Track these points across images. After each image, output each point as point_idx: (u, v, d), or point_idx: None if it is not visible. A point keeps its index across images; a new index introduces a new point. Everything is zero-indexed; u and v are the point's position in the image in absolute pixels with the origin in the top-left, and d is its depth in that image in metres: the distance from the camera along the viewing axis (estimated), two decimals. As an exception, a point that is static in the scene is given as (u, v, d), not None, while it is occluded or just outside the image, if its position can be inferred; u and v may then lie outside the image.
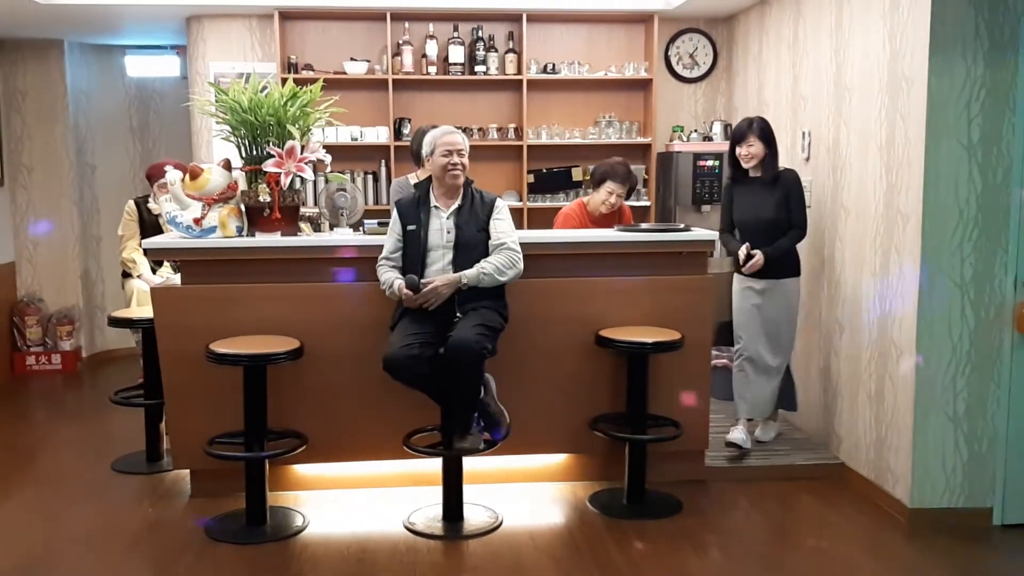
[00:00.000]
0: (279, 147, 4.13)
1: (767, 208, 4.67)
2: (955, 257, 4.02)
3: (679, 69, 6.78)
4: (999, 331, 4.05)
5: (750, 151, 4.63)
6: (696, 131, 6.63)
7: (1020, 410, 4.07)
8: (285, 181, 4.13)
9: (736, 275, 4.86)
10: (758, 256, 4.61)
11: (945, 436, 4.09)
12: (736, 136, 4.70)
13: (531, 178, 6.61)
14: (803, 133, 5.28)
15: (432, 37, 6.45)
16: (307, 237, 4.38)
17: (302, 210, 4.51)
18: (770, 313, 4.73)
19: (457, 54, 6.43)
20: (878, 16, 4.39)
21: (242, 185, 4.28)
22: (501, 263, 3.93)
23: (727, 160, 4.91)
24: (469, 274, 3.89)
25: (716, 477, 4.62)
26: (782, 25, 5.68)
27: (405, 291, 3.85)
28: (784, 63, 5.64)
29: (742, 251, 4.66)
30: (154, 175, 5.65)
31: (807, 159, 5.22)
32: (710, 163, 6.26)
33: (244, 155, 4.27)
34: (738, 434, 4.74)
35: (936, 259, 4.01)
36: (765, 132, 4.64)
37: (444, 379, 3.85)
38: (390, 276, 3.98)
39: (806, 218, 4.72)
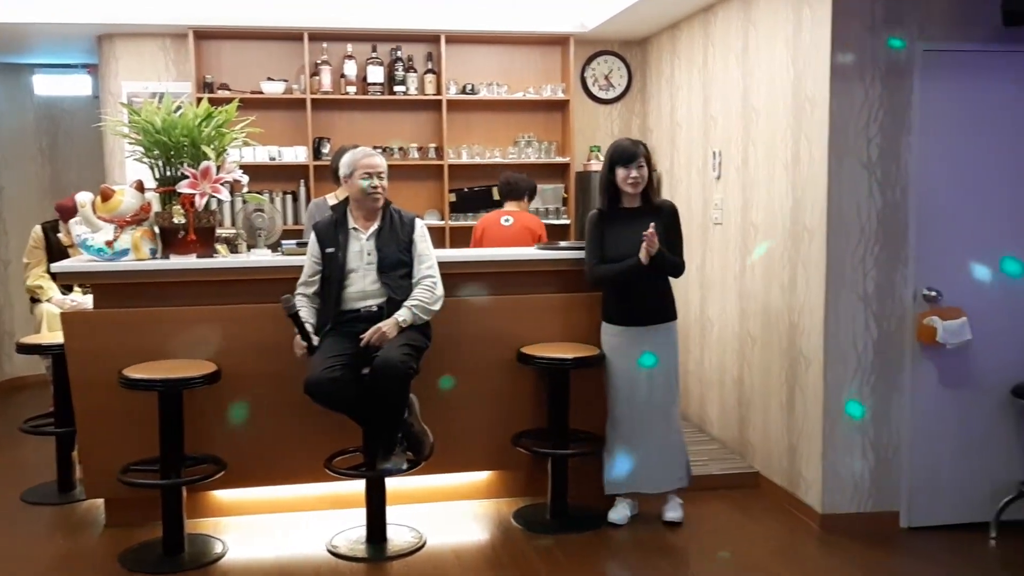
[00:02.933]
0: (194, 168, 4.08)
1: (661, 254, 4.07)
2: (858, 271, 4.19)
3: (595, 90, 6.92)
4: (901, 341, 4.24)
5: (641, 174, 4.13)
6: (613, 151, 6.76)
7: (922, 417, 4.26)
8: (200, 202, 4.08)
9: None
10: (651, 228, 4.02)
11: (853, 443, 4.25)
12: (623, 158, 4.14)
13: (453, 197, 6.65)
14: (714, 153, 5.45)
15: (350, 57, 6.45)
16: (223, 259, 4.32)
17: (219, 231, 4.45)
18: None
19: (376, 74, 6.44)
20: (782, 41, 4.57)
21: (156, 207, 4.21)
22: (426, 298, 3.96)
23: (600, 186, 4.30)
24: (407, 316, 3.89)
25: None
26: (692, 48, 5.86)
27: (299, 350, 3.86)
28: (695, 85, 5.81)
29: (642, 252, 4.02)
30: (64, 213, 5.35)
31: (718, 177, 5.39)
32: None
33: (158, 176, 4.21)
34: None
35: (840, 273, 4.18)
36: (648, 155, 4.23)
37: (368, 400, 3.84)
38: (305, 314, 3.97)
39: (683, 257, 4.25)
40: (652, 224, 4.03)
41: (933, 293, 4.19)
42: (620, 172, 4.15)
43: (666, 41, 6.38)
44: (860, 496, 4.27)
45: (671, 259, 4.13)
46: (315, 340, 3.85)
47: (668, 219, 4.19)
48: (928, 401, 4.26)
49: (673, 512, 4.31)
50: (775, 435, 4.70)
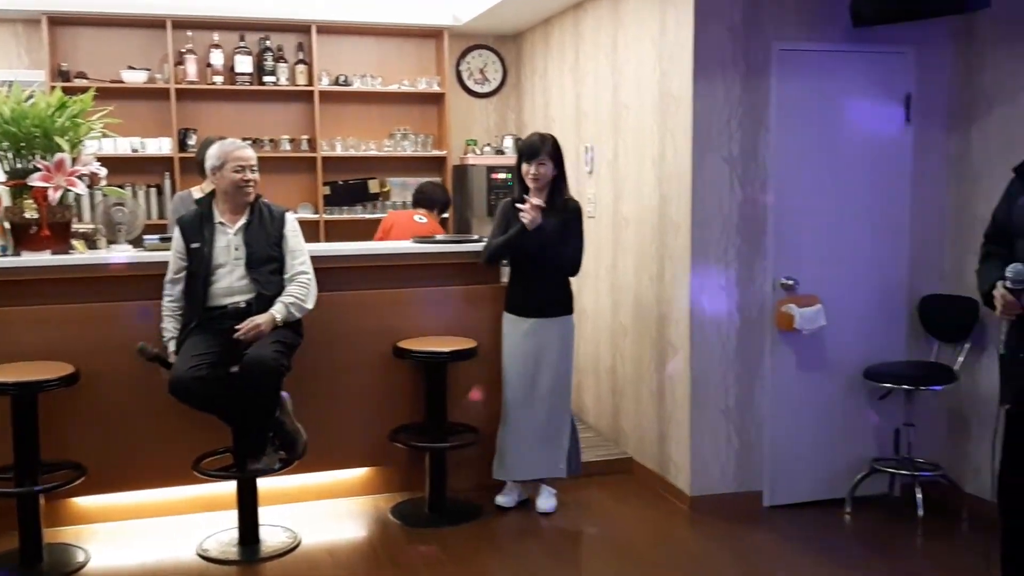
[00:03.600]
0: (47, 160, 3.88)
1: (551, 237, 4.18)
2: (721, 263, 4.36)
3: (471, 84, 6.94)
4: (761, 329, 4.43)
5: (540, 170, 4.16)
6: (489, 145, 6.82)
7: (782, 401, 4.47)
8: (54, 196, 3.88)
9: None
10: (533, 199, 4.12)
11: (718, 427, 4.42)
12: (526, 153, 4.21)
13: (327, 190, 6.55)
14: (586, 148, 5.55)
15: (217, 46, 6.26)
16: (80, 255, 4.13)
17: (75, 226, 4.25)
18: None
19: (244, 64, 6.27)
20: (648, 40, 4.70)
21: (6, 201, 3.98)
22: (301, 295, 3.88)
23: (514, 178, 4.36)
24: (282, 312, 3.81)
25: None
26: (564, 44, 5.96)
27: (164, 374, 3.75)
28: (567, 80, 5.91)
29: (525, 216, 4.10)
30: None
31: (590, 172, 5.49)
32: (503, 176, 6.43)
33: (7, 169, 3.98)
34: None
35: (704, 265, 4.33)
36: (558, 151, 4.23)
37: (237, 399, 3.74)
38: (167, 326, 3.89)
39: (582, 254, 4.26)
40: (536, 198, 4.12)
41: (790, 282, 4.40)
42: (524, 167, 4.21)
43: (539, 36, 6.46)
44: (726, 478, 4.45)
45: (555, 238, 4.15)
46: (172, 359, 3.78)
47: (568, 216, 4.22)
48: (787, 385, 4.47)
49: (544, 502, 4.39)
50: (646, 422, 4.84)
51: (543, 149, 4.18)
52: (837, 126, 4.42)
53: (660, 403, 4.69)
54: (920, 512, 4.24)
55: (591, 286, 5.53)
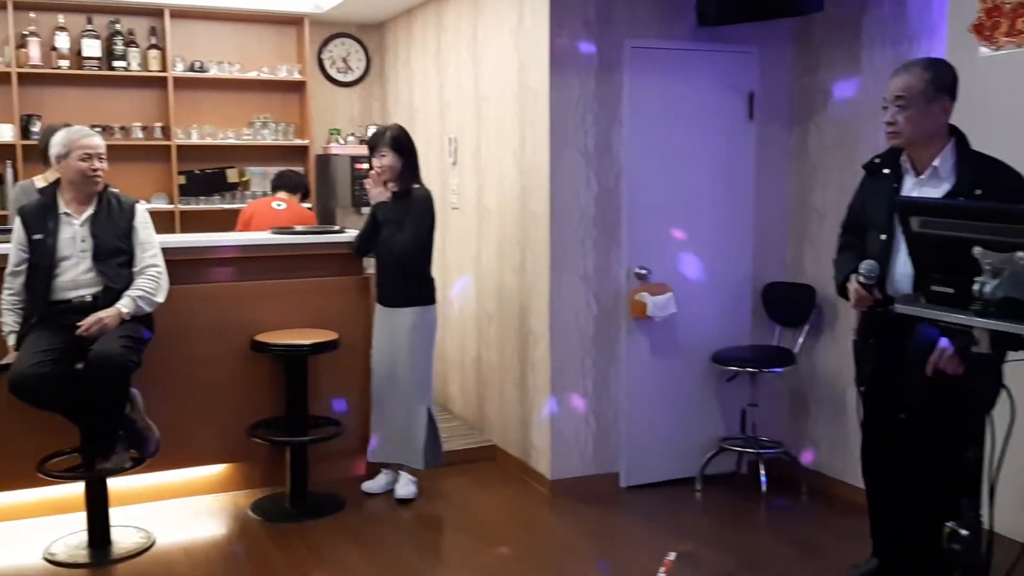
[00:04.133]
0: None
1: (396, 227, 4.24)
2: (579, 253, 4.48)
3: (333, 72, 6.86)
4: (617, 317, 4.59)
5: (382, 163, 4.24)
6: (353, 134, 6.76)
7: (637, 386, 4.65)
8: None
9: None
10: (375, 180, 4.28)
11: (578, 412, 4.55)
12: (371, 144, 4.35)
13: (183, 180, 6.34)
14: (450, 139, 5.59)
15: (63, 29, 5.96)
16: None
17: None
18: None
19: (92, 48, 6.00)
20: (507, 32, 4.77)
21: None
22: (150, 288, 3.76)
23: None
24: (129, 306, 3.68)
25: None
26: (427, 35, 5.97)
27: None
28: (430, 71, 5.93)
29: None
30: None
31: (454, 163, 5.54)
32: (367, 166, 6.37)
33: None
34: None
35: (563, 256, 4.45)
36: (400, 142, 4.26)
37: (83, 397, 3.60)
38: (7, 320, 3.71)
39: (420, 237, 4.24)
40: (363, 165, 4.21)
41: (643, 271, 4.57)
42: (372, 159, 4.31)
43: (402, 25, 6.45)
44: (584, 461, 4.59)
45: (393, 216, 4.23)
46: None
47: (414, 204, 4.25)
48: (642, 370, 4.65)
49: (403, 489, 4.42)
50: (510, 409, 4.93)
51: (382, 141, 4.25)
52: (687, 122, 4.62)
53: (522, 390, 4.79)
54: (764, 487, 4.50)
55: (456, 277, 5.58)
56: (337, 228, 4.79)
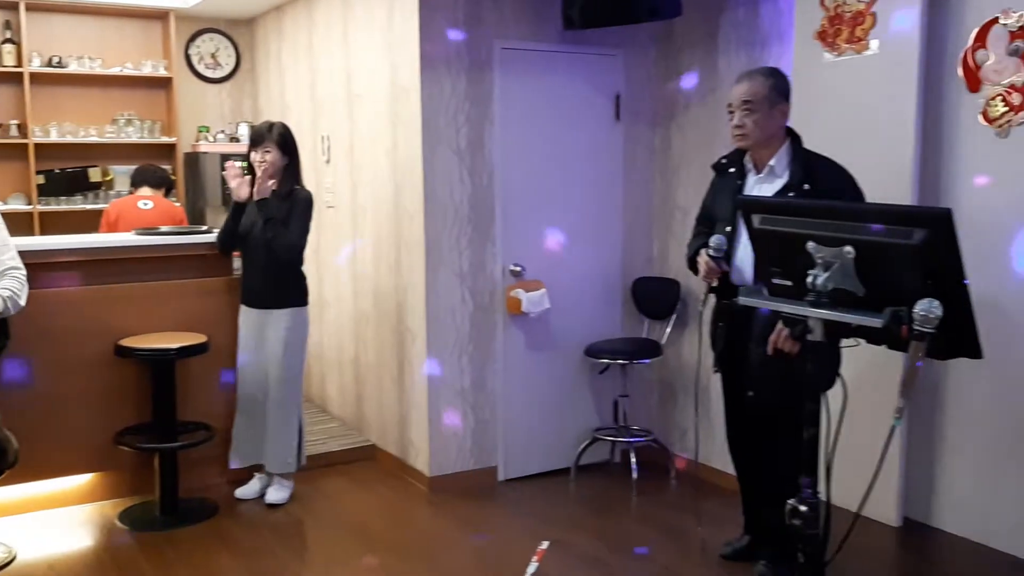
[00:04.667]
0: None
1: (277, 227, 4.12)
2: (454, 251, 4.53)
3: (201, 69, 6.69)
4: (493, 314, 4.67)
5: (266, 157, 4.15)
6: (223, 132, 6.61)
7: (513, 380, 4.74)
8: None
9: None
10: (230, 162, 4.23)
11: (455, 409, 4.61)
12: (253, 139, 4.23)
13: (42, 179, 6.08)
14: (323, 137, 5.55)
15: (-96, 19, 5.62)
16: None
17: None
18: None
19: (-62, 40, 5.68)
20: (378, 30, 4.78)
21: None
22: (16, 288, 3.56)
23: (248, 167, 4.31)
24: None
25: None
26: (298, 31, 5.90)
27: None
28: (302, 68, 5.86)
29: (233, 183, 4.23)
30: None
31: (328, 161, 5.50)
32: (238, 164, 6.25)
33: None
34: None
35: (438, 253, 4.49)
36: (286, 140, 4.22)
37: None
38: None
39: (301, 238, 4.20)
40: (233, 161, 4.19)
41: (518, 268, 4.66)
42: (252, 154, 4.19)
43: (272, 22, 6.35)
44: (463, 457, 4.65)
45: (275, 217, 4.09)
46: None
47: (294, 203, 4.20)
48: (518, 365, 4.75)
49: (274, 494, 4.37)
50: (388, 408, 4.95)
51: (268, 136, 4.17)
52: (556, 122, 4.73)
53: (400, 388, 4.81)
54: (634, 474, 4.67)
55: (332, 276, 5.55)
56: (204, 228, 4.69)
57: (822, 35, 4.00)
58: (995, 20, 3.53)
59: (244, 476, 4.48)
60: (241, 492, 4.41)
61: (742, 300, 2.57)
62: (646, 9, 4.17)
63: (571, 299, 4.84)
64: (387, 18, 4.66)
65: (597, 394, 4.98)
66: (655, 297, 4.92)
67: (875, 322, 2.13)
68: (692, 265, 3.40)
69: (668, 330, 4.85)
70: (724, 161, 3.43)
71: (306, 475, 4.61)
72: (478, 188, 4.56)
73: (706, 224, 3.49)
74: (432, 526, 4.19)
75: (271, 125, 4.25)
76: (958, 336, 2.15)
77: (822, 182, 3.12)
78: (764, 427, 3.22)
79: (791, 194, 3.15)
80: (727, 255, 3.23)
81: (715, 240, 3.19)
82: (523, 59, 4.60)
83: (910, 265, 2.11)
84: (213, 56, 6.72)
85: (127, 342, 4.12)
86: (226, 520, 4.18)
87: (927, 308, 2.03)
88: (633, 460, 4.72)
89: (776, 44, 4.29)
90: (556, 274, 4.77)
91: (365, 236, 5.10)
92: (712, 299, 3.41)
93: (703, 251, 3.24)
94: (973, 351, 2.20)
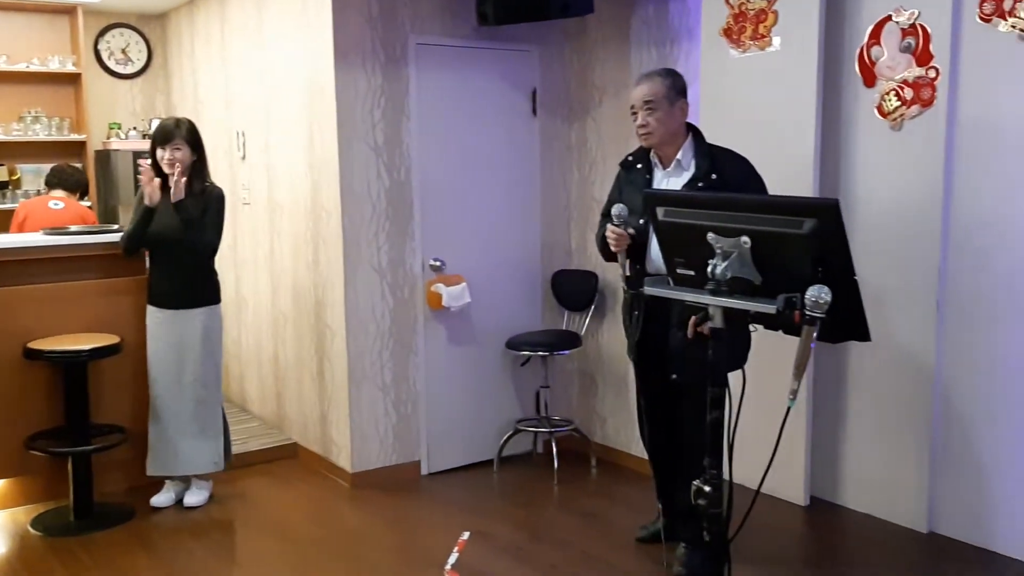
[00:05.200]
0: None
1: (190, 226, 4.06)
2: (372, 246, 4.54)
3: (111, 64, 6.54)
4: (414, 308, 4.68)
5: (176, 155, 4.05)
6: (135, 128, 6.47)
7: (435, 374, 4.76)
8: None
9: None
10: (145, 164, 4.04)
11: (376, 404, 4.61)
12: (161, 137, 4.09)
13: (-57, 179, 5.87)
14: (238, 133, 5.48)
15: None
16: None
17: None
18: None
19: None
20: (292, 26, 4.74)
21: None
22: None
23: (151, 164, 4.17)
24: None
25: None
26: (211, 25, 5.81)
27: None
28: (216, 63, 5.77)
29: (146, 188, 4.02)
30: None
31: (243, 158, 5.43)
32: (151, 161, 6.13)
33: None
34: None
35: (356, 249, 4.49)
36: (195, 137, 4.15)
37: None
38: None
39: (219, 237, 4.18)
40: (143, 161, 4.03)
41: (438, 263, 4.69)
42: (158, 152, 4.09)
43: (184, 16, 6.23)
44: (385, 452, 4.66)
45: (195, 217, 4.04)
46: None
47: (207, 202, 4.13)
48: (440, 359, 4.78)
49: (192, 497, 4.32)
50: (309, 406, 4.93)
51: (178, 134, 4.09)
52: (474, 117, 4.77)
53: (321, 385, 4.79)
54: (556, 464, 4.74)
55: (250, 274, 5.49)
56: (115, 227, 4.59)
57: (727, 32, 4.12)
58: (888, 18, 3.70)
59: (161, 480, 4.41)
60: (156, 500, 4.30)
61: (648, 290, 2.65)
62: (558, 6, 4.24)
63: (492, 293, 4.89)
64: (301, 13, 4.63)
65: (519, 386, 5.04)
66: (574, 289, 5.00)
67: (770, 308, 2.22)
68: (605, 250, 3.47)
69: (587, 321, 4.93)
70: (631, 158, 3.54)
71: (226, 476, 4.56)
72: (396, 183, 4.57)
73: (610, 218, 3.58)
74: (354, 522, 4.20)
75: (178, 121, 4.16)
76: (847, 320, 2.26)
77: (727, 173, 3.27)
78: (684, 409, 3.33)
79: (700, 185, 3.27)
80: (643, 246, 3.32)
81: (616, 208, 3.30)
82: (439, 54, 4.62)
83: (801, 253, 2.21)
84: (124, 51, 6.57)
85: (37, 344, 4.02)
86: (143, 524, 4.12)
87: (817, 294, 2.13)
88: (555, 450, 4.79)
89: (686, 41, 4.40)
90: (476, 268, 4.81)
91: (282, 233, 5.06)
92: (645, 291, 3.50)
93: (609, 225, 3.33)
94: (862, 334, 2.31)
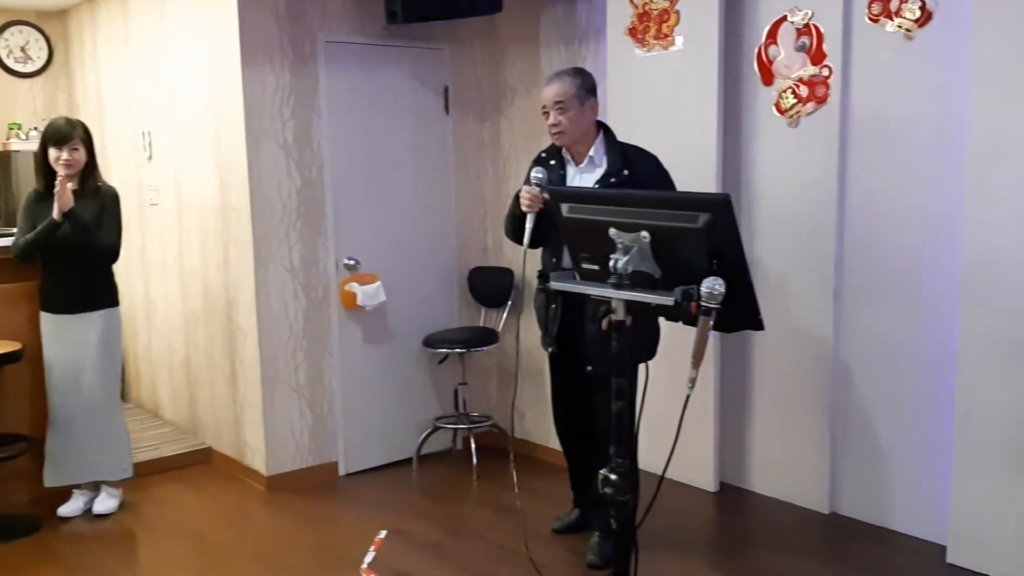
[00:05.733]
0: None
1: (88, 225, 3.95)
2: (283, 246, 4.49)
3: (10, 63, 6.31)
4: (328, 308, 4.65)
5: (74, 156, 3.96)
6: (36, 129, 6.25)
7: (351, 374, 4.74)
8: None
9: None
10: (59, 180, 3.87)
11: (291, 406, 4.57)
12: (55, 139, 3.95)
13: None
14: (144, 133, 5.35)
15: None
16: None
17: None
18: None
19: None
20: (197, 23, 4.65)
21: None
22: None
23: (36, 166, 4.09)
24: None
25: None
26: (113, 23, 5.66)
27: None
28: (119, 61, 5.63)
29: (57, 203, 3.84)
30: None
31: (149, 158, 5.31)
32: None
33: None
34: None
35: (267, 249, 4.43)
36: (90, 136, 4.07)
37: None
38: None
39: (119, 239, 4.08)
40: (62, 179, 3.87)
41: (352, 262, 4.67)
42: (52, 153, 3.97)
43: (87, 13, 6.06)
44: (301, 454, 4.62)
45: (89, 225, 3.93)
46: None
47: (104, 202, 4.05)
48: (355, 359, 4.76)
49: (102, 504, 4.23)
50: (222, 409, 4.85)
51: (75, 134, 3.99)
52: (387, 115, 4.76)
53: (234, 388, 4.72)
54: (475, 460, 4.77)
55: (159, 277, 5.37)
56: (15, 231, 4.44)
57: (633, 32, 4.20)
58: (784, 18, 3.83)
59: (67, 491, 4.28)
60: (64, 510, 4.19)
61: (554, 284, 2.70)
62: (466, 4, 4.27)
63: (408, 291, 4.89)
64: (206, 10, 4.55)
65: (437, 383, 5.06)
66: (490, 286, 5.03)
67: (668, 300, 2.29)
68: (514, 224, 3.47)
69: (504, 317, 4.97)
70: (544, 155, 3.59)
71: (137, 483, 4.46)
72: (307, 182, 4.53)
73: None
74: (270, 525, 4.15)
75: (72, 122, 4.05)
76: (742, 310, 2.34)
77: (637, 169, 3.37)
78: (597, 401, 3.39)
79: (612, 181, 3.35)
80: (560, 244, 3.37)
81: (536, 170, 3.36)
82: (349, 52, 4.60)
83: (697, 247, 2.28)
84: (23, 49, 6.35)
85: (-71, 354, 3.87)
86: (50, 534, 4.00)
87: (711, 285, 2.20)
88: (473, 446, 4.82)
89: (593, 40, 4.47)
90: (391, 267, 4.81)
91: (191, 234, 4.97)
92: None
93: (525, 187, 3.35)
94: (756, 324, 2.40)
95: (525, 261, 3.61)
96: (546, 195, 3.29)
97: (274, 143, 4.41)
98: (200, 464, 4.91)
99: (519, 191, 3.49)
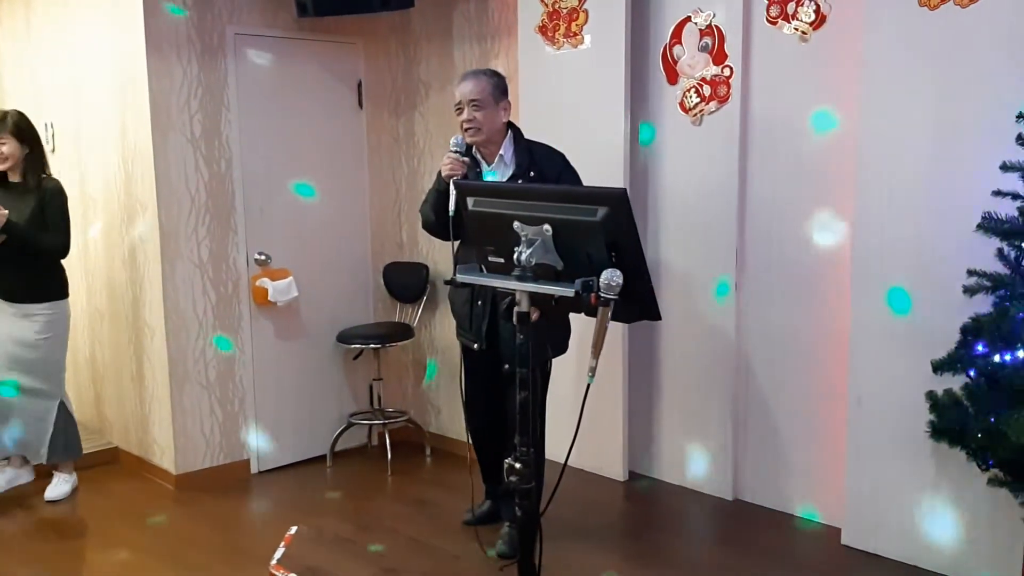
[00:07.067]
0: None
1: (33, 223, 4.03)
2: (192, 241, 4.41)
3: (-100, 49, 6.03)
4: (239, 303, 4.59)
5: (2, 151, 3.99)
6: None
7: (264, 370, 4.69)
8: None
9: None
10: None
11: (201, 404, 4.50)
12: None
13: None
14: (46, 124, 5.18)
15: None
16: None
17: None
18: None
19: None
20: (102, 14, 4.54)
21: None
22: None
23: None
24: None
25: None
26: (15, 11, 5.46)
27: None
28: (22, 51, 5.44)
29: None
30: None
31: (52, 150, 5.14)
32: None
33: None
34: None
35: (175, 244, 4.36)
36: (22, 129, 4.07)
37: None
38: None
39: (68, 236, 4.14)
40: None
41: (263, 257, 4.62)
42: None
43: (-15, 0, 5.83)
44: (212, 452, 4.55)
45: (28, 231, 3.96)
46: None
47: (47, 197, 4.06)
48: (268, 355, 4.70)
49: (54, 490, 4.31)
50: (129, 408, 4.74)
51: (3, 127, 3.98)
52: (299, 109, 4.72)
53: (141, 386, 4.63)
54: (390, 455, 4.77)
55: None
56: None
57: (543, 30, 4.26)
58: (688, 19, 3.93)
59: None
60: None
61: (460, 277, 2.72)
62: (376, 0, 4.26)
63: (321, 286, 4.86)
64: (112, 2, 4.44)
65: (352, 379, 5.04)
66: (405, 281, 5.04)
67: (569, 292, 2.34)
68: (436, 204, 3.51)
69: (419, 312, 4.99)
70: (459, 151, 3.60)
71: (41, 485, 4.34)
72: (216, 176, 4.47)
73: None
74: (179, 525, 4.08)
75: (4, 114, 4.04)
76: (639, 301, 2.40)
77: (545, 168, 3.43)
78: (511, 395, 3.40)
79: (520, 180, 3.38)
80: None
81: (454, 139, 3.42)
82: (259, 45, 4.54)
83: (596, 239, 2.34)
84: (-86, 35, 6.07)
85: None
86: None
87: (610, 277, 2.25)
88: (388, 441, 4.81)
89: (505, 37, 4.51)
90: (304, 262, 4.77)
91: (96, 228, 4.84)
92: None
93: (447, 155, 3.41)
94: (653, 314, 2.47)
95: (456, 254, 3.59)
96: (467, 159, 3.40)
97: (181, 136, 4.34)
98: (106, 464, 4.79)
99: (439, 171, 3.53)
